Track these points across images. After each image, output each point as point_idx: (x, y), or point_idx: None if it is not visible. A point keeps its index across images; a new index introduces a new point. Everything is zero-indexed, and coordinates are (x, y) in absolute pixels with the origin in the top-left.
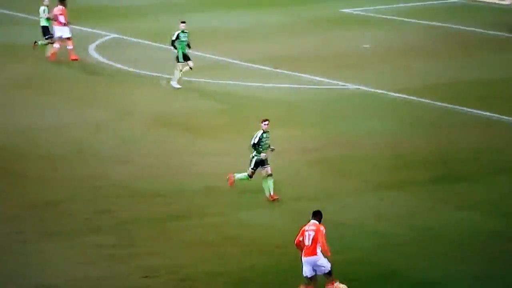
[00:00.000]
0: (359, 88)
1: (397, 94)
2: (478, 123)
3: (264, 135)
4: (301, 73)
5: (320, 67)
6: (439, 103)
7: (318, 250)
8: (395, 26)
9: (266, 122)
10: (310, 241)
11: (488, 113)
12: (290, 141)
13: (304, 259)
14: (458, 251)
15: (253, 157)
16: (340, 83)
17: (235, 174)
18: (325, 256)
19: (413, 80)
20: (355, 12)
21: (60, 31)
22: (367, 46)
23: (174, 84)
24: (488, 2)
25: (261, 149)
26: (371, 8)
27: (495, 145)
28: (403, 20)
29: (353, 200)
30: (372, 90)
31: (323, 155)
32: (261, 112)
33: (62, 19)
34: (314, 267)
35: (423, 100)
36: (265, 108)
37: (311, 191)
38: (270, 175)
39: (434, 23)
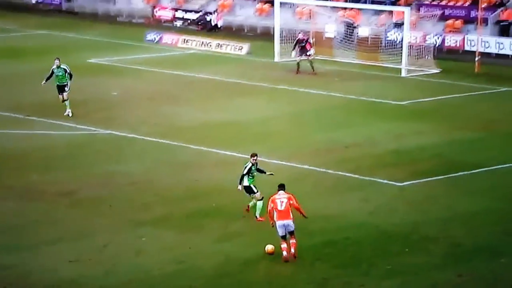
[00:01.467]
0: (111, 133)
1: (147, 138)
2: (226, 161)
3: (253, 167)
4: (53, 120)
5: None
6: (188, 145)
7: (291, 214)
8: (140, 74)
9: (255, 157)
10: (283, 207)
11: (229, 152)
12: (46, 184)
13: (279, 222)
14: (216, 279)
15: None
16: (92, 128)
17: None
18: (305, 217)
19: (162, 123)
20: (101, 62)
21: None
22: (115, 93)
23: None
24: (229, 53)
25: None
26: (115, 58)
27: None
28: (147, 69)
29: (113, 238)
30: (123, 134)
31: (79, 197)
32: (19, 161)
33: None
34: (286, 227)
35: (171, 142)
36: (23, 157)
37: (70, 232)
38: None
39: (175, 72)
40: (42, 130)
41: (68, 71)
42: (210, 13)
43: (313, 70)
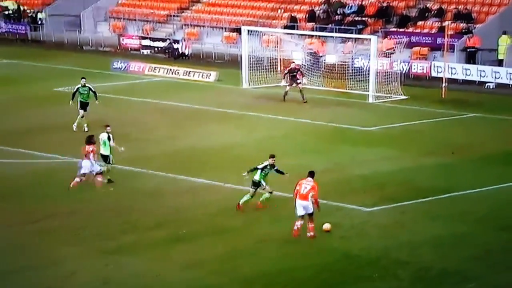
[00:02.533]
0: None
1: (116, 165)
2: (194, 188)
3: (269, 166)
4: (18, 148)
5: (40, 141)
6: (156, 172)
7: (310, 198)
8: (108, 102)
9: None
10: (305, 191)
11: (197, 179)
12: (13, 213)
13: (298, 202)
14: None
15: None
16: (59, 156)
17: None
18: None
19: (130, 150)
20: (67, 91)
21: None
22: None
23: None
24: (197, 80)
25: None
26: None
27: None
28: (115, 97)
29: (80, 266)
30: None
31: (46, 225)
32: None
33: None
34: (306, 208)
35: (140, 170)
36: None
37: (37, 260)
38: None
39: (143, 99)
40: (7, 158)
41: (93, 89)
42: (177, 41)
43: (304, 99)
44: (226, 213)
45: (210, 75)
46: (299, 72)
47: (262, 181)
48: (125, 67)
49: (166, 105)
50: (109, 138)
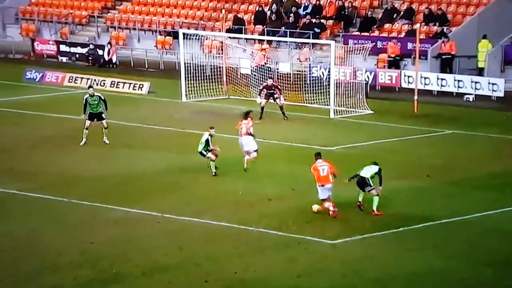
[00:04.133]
0: None
1: (31, 194)
2: (125, 219)
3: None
4: None
5: None
6: (79, 201)
7: (331, 179)
8: (20, 119)
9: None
10: (326, 173)
11: (128, 209)
12: None
13: (322, 186)
14: None
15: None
16: None
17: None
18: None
19: (49, 176)
20: None
21: None
22: None
23: None
24: (127, 93)
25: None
26: None
27: None
28: (28, 113)
29: None
30: (1, 190)
31: None
32: None
33: None
34: (328, 191)
35: (60, 198)
36: None
37: None
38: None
39: (61, 115)
40: None
41: (102, 98)
42: (102, 47)
43: (285, 117)
44: (163, 249)
45: (142, 86)
46: (277, 90)
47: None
48: (40, 77)
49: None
50: (207, 142)
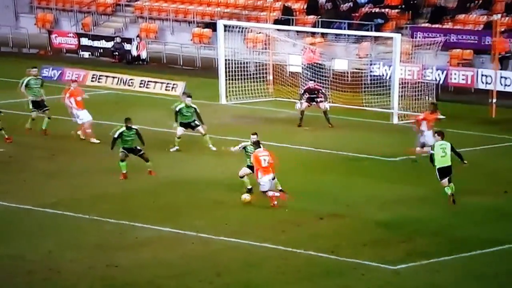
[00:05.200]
0: None
1: (48, 210)
2: (154, 239)
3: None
4: None
5: None
6: (104, 219)
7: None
8: (36, 124)
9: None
10: (267, 163)
11: (158, 227)
12: None
13: (263, 177)
14: None
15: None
16: None
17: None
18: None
19: (68, 191)
20: None
21: None
22: (1, 150)
23: None
24: (159, 94)
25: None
26: None
27: None
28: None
29: None
30: (14, 205)
31: None
32: None
33: None
34: (269, 183)
35: (81, 215)
36: None
37: None
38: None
39: None
40: None
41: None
42: (130, 40)
43: (330, 124)
44: (198, 274)
45: (176, 86)
46: (321, 94)
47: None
48: (58, 75)
49: (114, 128)
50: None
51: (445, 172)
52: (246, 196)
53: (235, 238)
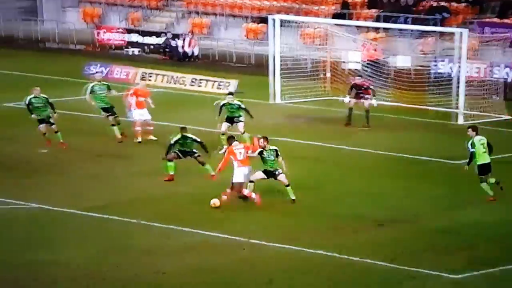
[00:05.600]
0: (39, 207)
1: (92, 214)
2: (201, 244)
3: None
4: None
5: None
6: (149, 223)
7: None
8: (80, 123)
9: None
10: (243, 156)
11: (205, 232)
12: None
13: (240, 169)
14: None
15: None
16: (10, 200)
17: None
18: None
19: (113, 193)
20: (21, 107)
21: None
22: (44, 151)
23: None
24: (210, 93)
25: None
26: None
27: None
28: (90, 117)
29: None
30: (56, 208)
31: None
32: None
33: None
34: (247, 175)
35: (126, 219)
36: None
37: None
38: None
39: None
40: None
41: (243, 107)
42: (179, 37)
43: (368, 124)
44: (249, 282)
45: (227, 84)
46: (368, 90)
47: None
48: (105, 73)
49: (164, 129)
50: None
51: (486, 169)
52: (215, 201)
53: (288, 245)
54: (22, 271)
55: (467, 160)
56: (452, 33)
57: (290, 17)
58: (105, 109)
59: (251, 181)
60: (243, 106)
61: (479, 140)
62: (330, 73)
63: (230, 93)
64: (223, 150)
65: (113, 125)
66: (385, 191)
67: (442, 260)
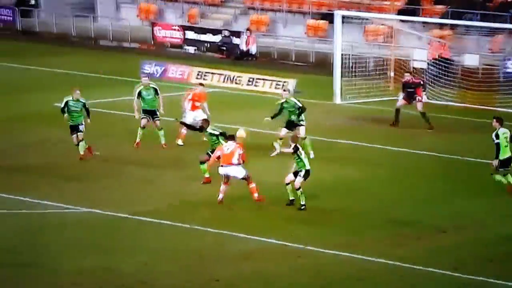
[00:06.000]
0: (89, 211)
1: (143, 218)
2: (258, 251)
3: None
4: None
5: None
6: (203, 228)
7: (234, 161)
8: (134, 125)
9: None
10: (229, 151)
11: (261, 238)
12: None
13: (222, 166)
14: None
15: None
16: (61, 204)
17: None
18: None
19: (165, 197)
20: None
21: None
22: (97, 153)
23: None
24: (268, 93)
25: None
26: (97, 101)
27: None
28: None
29: None
30: (107, 213)
31: None
32: None
33: None
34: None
35: (179, 224)
36: None
37: None
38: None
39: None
40: None
41: (299, 106)
42: (239, 34)
43: (429, 124)
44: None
45: (286, 84)
46: (419, 88)
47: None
48: (161, 72)
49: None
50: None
51: (506, 163)
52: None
53: (346, 252)
54: (71, 277)
55: (495, 155)
56: None
57: (353, 13)
58: (147, 112)
59: (286, 184)
60: (299, 104)
61: (503, 133)
62: (394, 72)
63: (286, 90)
64: (274, 153)
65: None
66: (447, 196)
67: (508, 268)
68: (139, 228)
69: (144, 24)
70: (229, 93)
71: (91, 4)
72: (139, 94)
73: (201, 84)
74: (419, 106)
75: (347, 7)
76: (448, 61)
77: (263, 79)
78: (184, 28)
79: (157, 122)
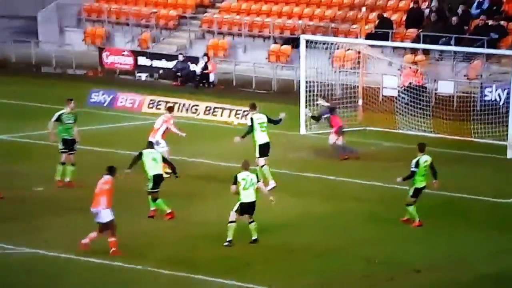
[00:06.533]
0: (34, 253)
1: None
2: None
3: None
4: None
5: None
6: (207, 278)
7: (101, 201)
8: (80, 158)
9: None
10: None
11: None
12: None
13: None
14: None
15: None
16: (9, 246)
17: None
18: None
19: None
20: (16, 140)
21: None
22: (40, 189)
23: None
24: (227, 123)
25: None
26: (39, 132)
27: None
28: (91, 150)
29: None
30: (54, 254)
31: None
32: None
33: None
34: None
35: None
36: None
37: None
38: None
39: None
40: None
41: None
42: (195, 59)
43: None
44: None
45: (246, 113)
46: (334, 116)
47: None
48: (110, 100)
49: (178, 162)
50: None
51: (419, 192)
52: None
53: None
54: None
55: (404, 176)
56: (501, 57)
57: (319, 38)
58: (65, 141)
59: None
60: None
61: (425, 161)
62: (362, 100)
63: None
64: (269, 188)
65: (63, 163)
66: (424, 233)
67: None
68: (86, 270)
69: (90, 49)
70: (186, 123)
71: (32, 28)
72: (59, 118)
73: (170, 109)
74: (331, 138)
75: (312, 31)
76: (421, 89)
77: (221, 108)
78: (135, 54)
79: (72, 156)
